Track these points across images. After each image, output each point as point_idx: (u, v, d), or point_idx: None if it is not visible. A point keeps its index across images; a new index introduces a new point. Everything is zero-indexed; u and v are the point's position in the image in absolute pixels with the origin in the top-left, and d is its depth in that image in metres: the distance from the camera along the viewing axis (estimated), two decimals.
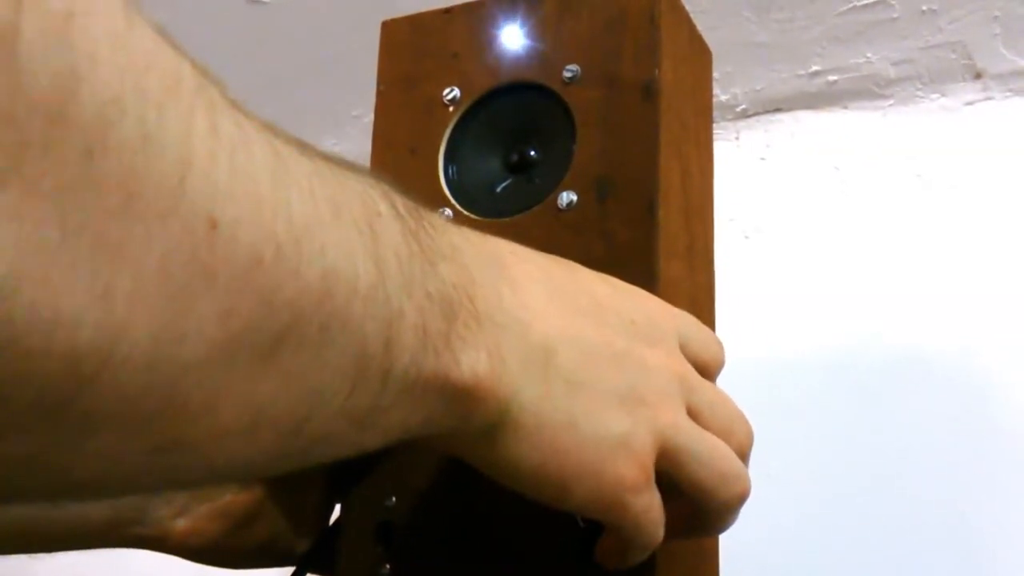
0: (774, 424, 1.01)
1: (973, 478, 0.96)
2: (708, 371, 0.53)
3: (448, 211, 0.61)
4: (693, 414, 0.49)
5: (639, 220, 0.57)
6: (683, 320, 0.52)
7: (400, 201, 0.40)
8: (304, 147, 0.37)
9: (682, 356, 0.50)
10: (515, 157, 0.62)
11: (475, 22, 0.63)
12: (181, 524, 0.64)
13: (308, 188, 0.35)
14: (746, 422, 0.52)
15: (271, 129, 0.35)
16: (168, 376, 0.30)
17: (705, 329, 0.54)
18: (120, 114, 0.28)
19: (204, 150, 0.30)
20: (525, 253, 0.48)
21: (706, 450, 0.48)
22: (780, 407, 1.02)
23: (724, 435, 0.50)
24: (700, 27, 0.65)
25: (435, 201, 0.62)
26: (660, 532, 0.49)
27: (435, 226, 0.42)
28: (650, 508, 0.47)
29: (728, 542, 0.60)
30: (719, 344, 0.54)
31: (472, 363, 0.41)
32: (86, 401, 0.28)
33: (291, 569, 0.62)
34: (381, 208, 0.38)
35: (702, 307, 0.62)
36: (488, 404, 0.42)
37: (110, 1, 0.29)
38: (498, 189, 0.62)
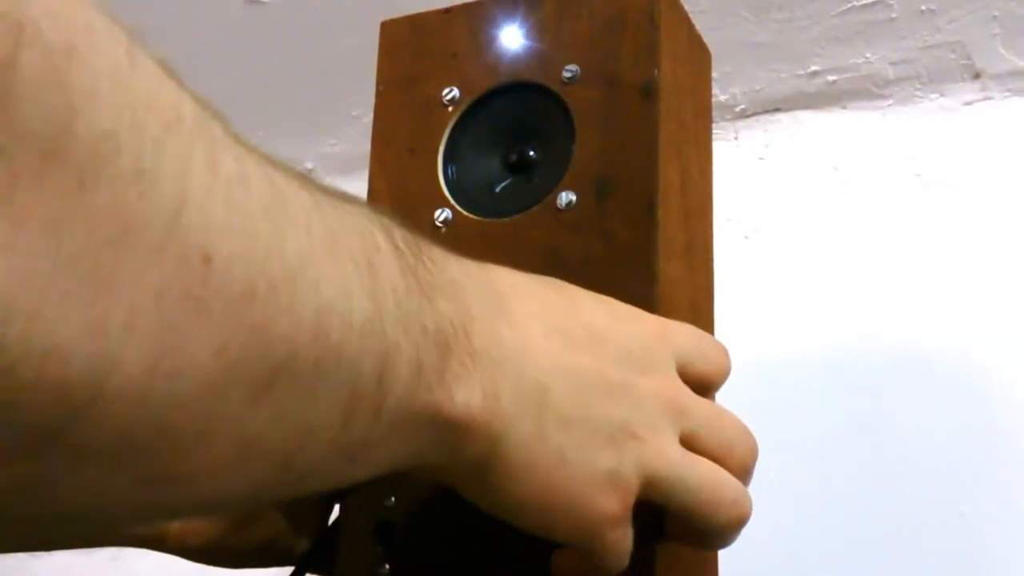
0: (774, 424, 1.01)
1: (973, 478, 0.96)
2: (712, 384, 0.53)
3: (447, 211, 0.61)
4: (689, 438, 0.49)
5: (638, 220, 0.57)
6: (683, 338, 0.52)
7: (399, 235, 0.40)
8: (304, 181, 0.37)
9: (677, 380, 0.50)
10: (514, 157, 0.62)
11: (474, 22, 0.63)
12: (180, 524, 0.64)
13: (305, 224, 0.35)
14: (748, 436, 0.52)
15: (271, 163, 0.35)
16: (160, 409, 0.30)
17: (708, 340, 0.54)
18: (115, 150, 0.28)
19: (201, 186, 0.30)
20: (524, 285, 0.48)
21: (695, 478, 0.49)
22: (780, 407, 1.02)
23: (723, 454, 0.50)
24: (699, 27, 0.65)
25: (434, 201, 0.62)
26: (625, 561, 0.49)
27: (435, 261, 0.42)
28: (622, 540, 0.48)
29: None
30: (723, 354, 0.54)
31: (466, 399, 0.41)
32: (76, 433, 0.28)
33: (291, 569, 0.62)
34: (380, 243, 0.39)
35: (701, 307, 0.62)
36: (480, 439, 0.43)
37: (113, 38, 0.29)
38: (497, 189, 0.62)
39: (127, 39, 0.30)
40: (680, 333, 0.52)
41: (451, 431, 0.41)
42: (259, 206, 0.33)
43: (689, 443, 0.49)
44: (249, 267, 0.32)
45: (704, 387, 0.52)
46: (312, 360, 0.34)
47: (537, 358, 0.45)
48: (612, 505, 0.46)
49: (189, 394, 0.30)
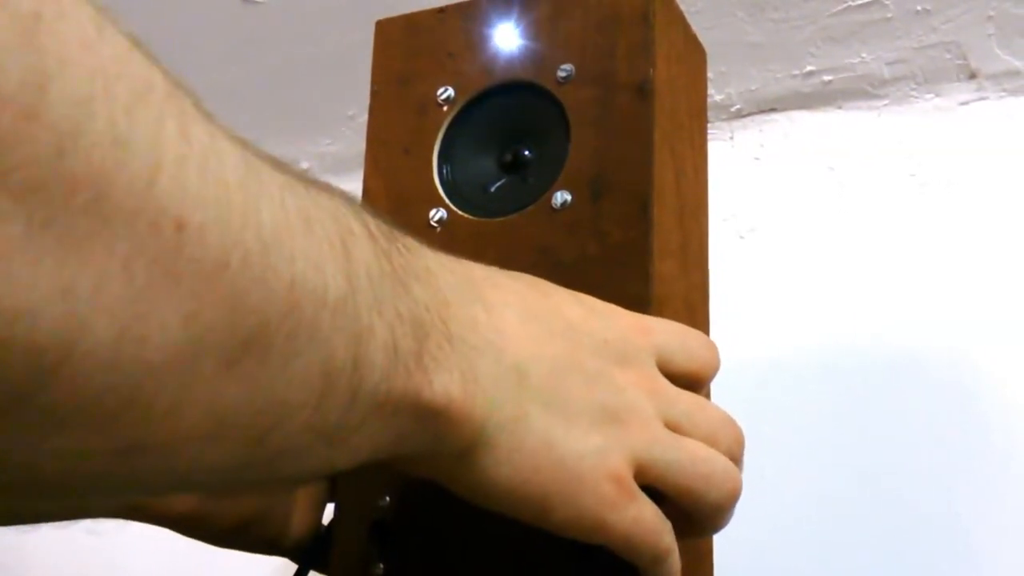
0: (768, 424, 1.01)
1: (968, 478, 0.96)
2: (698, 379, 0.53)
3: (442, 211, 0.61)
4: (672, 427, 0.49)
5: (633, 220, 0.57)
6: (664, 334, 0.52)
7: (373, 222, 0.41)
8: (277, 162, 0.37)
9: (656, 373, 0.50)
10: (509, 157, 0.62)
11: (469, 22, 0.63)
12: None
13: (280, 198, 0.35)
14: (733, 426, 0.53)
15: (244, 143, 0.35)
16: (130, 375, 0.30)
17: (693, 337, 0.54)
18: (90, 116, 0.28)
19: (174, 154, 0.30)
20: (499, 277, 0.48)
21: (685, 457, 0.49)
22: (775, 407, 1.02)
23: (708, 443, 0.50)
24: (694, 27, 0.65)
25: (429, 201, 0.62)
26: (663, 540, 0.49)
27: (409, 248, 0.42)
28: (638, 520, 0.47)
29: (722, 542, 0.60)
30: (710, 350, 0.54)
31: (445, 384, 0.41)
32: (48, 396, 0.28)
33: (292, 568, 0.62)
34: (354, 226, 0.39)
35: (696, 307, 0.62)
36: (462, 425, 0.42)
37: (79, 8, 0.29)
38: (492, 189, 0.62)
39: (92, 10, 0.30)
40: (661, 329, 0.52)
41: (432, 417, 0.41)
42: (233, 177, 0.33)
43: (673, 432, 0.50)
44: (223, 237, 0.32)
45: (690, 383, 0.52)
46: (285, 333, 0.34)
47: (514, 344, 0.45)
48: (606, 487, 0.46)
49: (159, 360, 0.30)
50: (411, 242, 0.43)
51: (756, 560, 0.95)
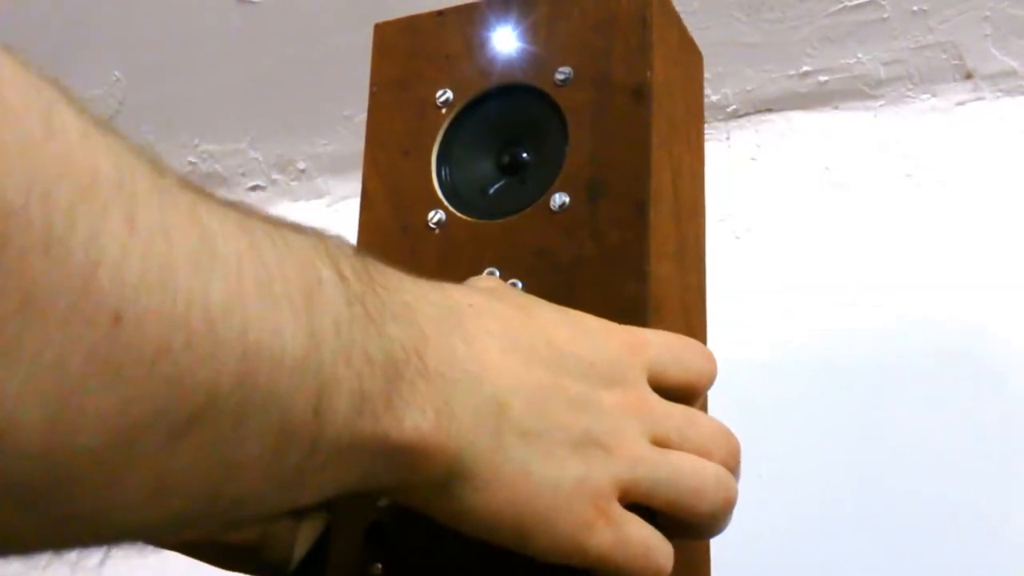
0: (765, 424, 1.01)
1: (964, 477, 0.96)
2: (694, 391, 0.53)
3: (441, 213, 0.61)
4: (662, 443, 0.50)
5: (630, 221, 0.57)
6: (657, 348, 0.52)
7: (348, 264, 0.40)
8: (245, 220, 0.37)
9: (646, 391, 0.50)
10: (507, 159, 0.62)
11: (467, 24, 0.63)
12: None
13: (236, 266, 0.35)
14: (727, 437, 0.53)
15: (208, 204, 0.35)
16: (64, 459, 0.30)
17: (688, 348, 0.54)
18: (23, 225, 0.28)
19: (115, 246, 0.31)
20: (483, 304, 0.48)
21: (672, 472, 0.49)
22: (772, 407, 1.02)
23: (701, 455, 0.51)
24: (691, 28, 0.65)
25: (428, 203, 0.62)
26: (652, 560, 0.49)
27: (387, 286, 0.42)
28: (621, 542, 0.48)
29: (720, 542, 0.60)
30: (706, 359, 0.54)
31: (417, 422, 0.41)
32: None
33: None
34: (323, 274, 0.39)
35: (693, 307, 0.62)
36: (435, 459, 0.43)
37: (28, 104, 0.29)
38: (491, 191, 0.62)
39: (47, 100, 0.30)
40: (655, 343, 0.52)
41: (403, 454, 0.42)
42: (182, 256, 0.33)
43: (662, 447, 0.50)
44: (164, 323, 0.32)
45: (686, 394, 0.53)
46: (236, 402, 0.34)
47: (494, 375, 0.45)
48: (586, 512, 0.46)
49: (96, 444, 0.31)
50: (390, 277, 0.43)
51: (752, 559, 0.95)
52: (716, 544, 0.60)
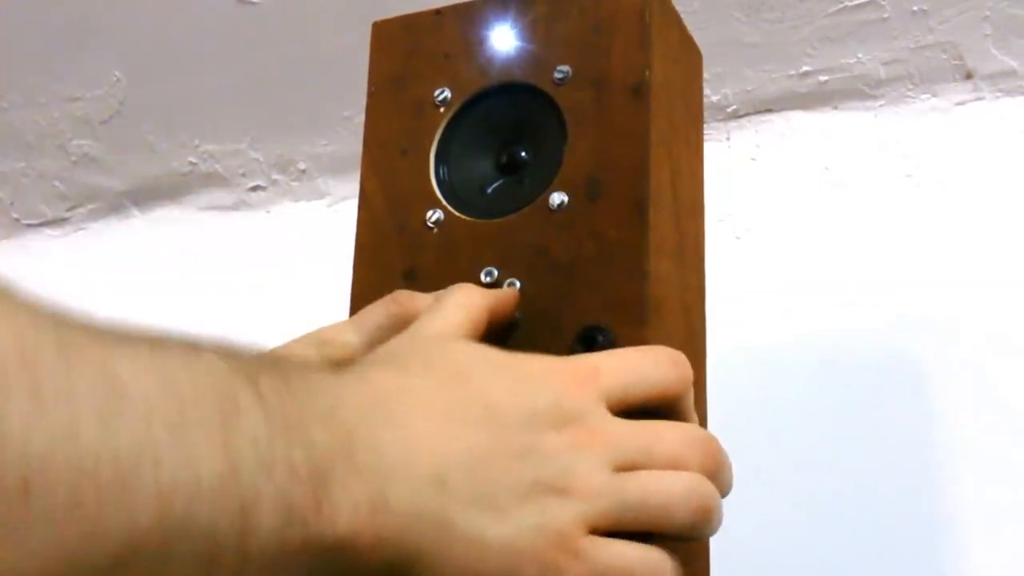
0: (764, 423, 1.01)
1: (961, 476, 0.96)
2: (667, 399, 0.53)
3: (439, 212, 0.61)
4: (627, 467, 0.50)
5: (629, 220, 0.57)
6: (614, 373, 0.52)
7: (267, 380, 0.42)
8: (162, 353, 0.39)
9: (601, 421, 0.50)
10: (506, 158, 0.62)
11: (466, 23, 0.63)
12: None
13: (145, 410, 0.36)
14: (703, 442, 0.52)
15: (121, 349, 0.37)
16: None
17: (650, 362, 0.53)
18: None
19: (20, 423, 0.32)
20: (414, 383, 0.49)
21: (635, 496, 0.49)
22: (771, 406, 1.02)
23: (674, 467, 0.51)
24: (690, 27, 0.65)
25: (426, 202, 0.62)
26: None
27: (310, 392, 0.43)
28: (596, 574, 0.48)
29: (719, 539, 0.60)
30: (672, 366, 0.54)
31: (350, 520, 0.42)
32: None
33: None
34: (240, 397, 0.40)
35: (693, 306, 0.62)
36: (377, 549, 0.44)
37: None
38: (489, 190, 0.62)
39: None
40: (606, 368, 0.52)
41: (340, 551, 0.43)
42: (88, 414, 0.34)
43: (631, 470, 0.50)
44: (72, 481, 0.33)
45: (663, 406, 0.53)
46: (157, 538, 0.36)
47: (427, 454, 0.46)
48: (549, 557, 0.47)
49: None
50: (313, 382, 0.44)
51: (751, 555, 0.95)
52: (715, 542, 0.60)
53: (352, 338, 0.57)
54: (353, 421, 0.44)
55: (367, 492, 0.43)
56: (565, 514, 0.48)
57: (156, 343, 0.39)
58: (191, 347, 0.40)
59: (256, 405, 0.40)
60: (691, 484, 0.51)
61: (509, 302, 0.57)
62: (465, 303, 0.55)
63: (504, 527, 0.47)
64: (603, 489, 0.49)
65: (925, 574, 0.95)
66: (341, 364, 0.50)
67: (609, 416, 0.51)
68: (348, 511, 0.42)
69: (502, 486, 0.47)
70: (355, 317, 0.59)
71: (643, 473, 0.50)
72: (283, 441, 0.41)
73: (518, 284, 0.58)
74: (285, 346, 0.58)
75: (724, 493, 0.53)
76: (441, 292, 0.57)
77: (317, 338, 0.58)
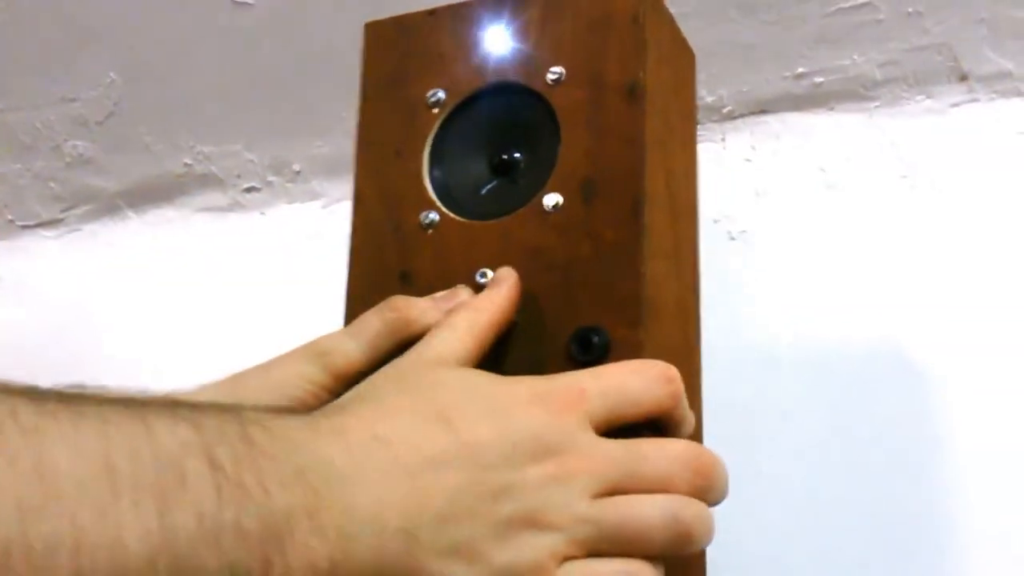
0: (761, 424, 1.01)
1: (961, 477, 0.96)
2: (656, 415, 0.53)
3: (434, 214, 0.61)
4: (612, 491, 0.50)
5: (624, 221, 0.57)
6: (601, 395, 0.52)
7: (228, 447, 0.42)
8: (104, 426, 0.39)
9: (586, 444, 0.51)
10: (500, 159, 0.62)
11: (460, 23, 0.63)
12: None
13: (72, 497, 0.37)
14: (692, 459, 0.52)
15: (61, 428, 0.38)
16: None
17: (637, 377, 0.53)
18: None
19: None
20: (392, 429, 0.49)
21: (615, 521, 0.50)
22: (767, 407, 1.02)
23: (660, 489, 0.51)
24: (686, 28, 0.65)
25: (420, 203, 0.62)
26: None
27: (276, 455, 0.44)
28: None
29: (717, 542, 0.60)
30: (660, 384, 0.53)
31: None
32: None
33: None
34: (188, 471, 0.40)
35: (687, 307, 0.62)
36: None
37: None
38: (483, 191, 0.62)
39: None
40: (596, 389, 0.52)
41: None
42: (7, 502, 0.35)
43: (615, 494, 0.50)
44: None
45: (652, 422, 0.53)
46: None
47: (399, 509, 0.47)
48: None
49: None
50: (281, 443, 0.45)
51: (747, 557, 0.95)
52: (712, 545, 0.60)
53: (351, 347, 0.57)
54: (322, 480, 0.45)
55: (328, 551, 0.44)
56: (540, 546, 0.49)
57: (104, 417, 0.39)
58: (140, 418, 0.41)
59: (206, 475, 0.41)
60: (671, 508, 0.51)
61: (512, 308, 0.57)
62: (473, 325, 0.56)
63: (476, 568, 0.48)
64: (581, 518, 0.49)
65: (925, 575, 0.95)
66: (328, 407, 0.50)
67: (594, 438, 0.51)
68: (304, 571, 0.43)
69: (477, 530, 0.48)
70: (352, 325, 0.59)
71: (622, 499, 0.50)
72: (234, 509, 0.41)
73: (490, 273, 0.58)
74: (281, 358, 0.58)
75: (717, 503, 0.53)
76: (447, 297, 0.58)
77: (316, 349, 0.58)
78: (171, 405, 0.43)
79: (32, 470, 0.36)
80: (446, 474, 0.48)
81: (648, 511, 0.50)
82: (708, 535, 0.52)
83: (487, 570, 0.48)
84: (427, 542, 0.47)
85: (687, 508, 0.51)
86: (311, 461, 0.45)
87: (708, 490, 0.52)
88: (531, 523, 0.49)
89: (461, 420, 0.50)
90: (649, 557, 0.51)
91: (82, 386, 0.61)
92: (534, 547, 0.48)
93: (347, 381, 0.57)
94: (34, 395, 0.39)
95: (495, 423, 0.50)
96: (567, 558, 0.49)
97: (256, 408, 0.47)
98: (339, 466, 0.46)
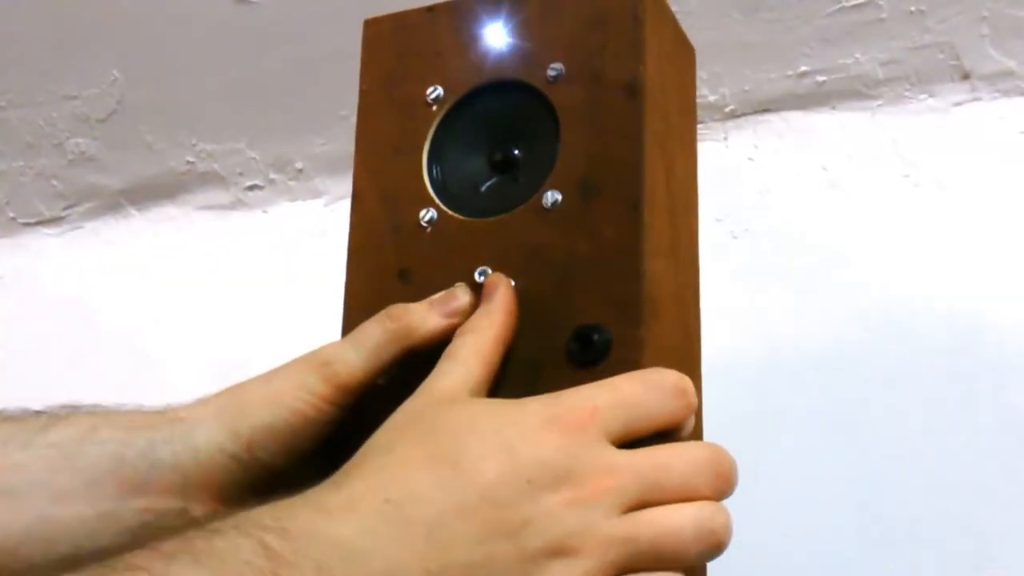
0: (762, 424, 1.01)
1: (961, 478, 0.96)
2: (671, 428, 0.53)
3: (433, 211, 0.61)
4: (638, 504, 0.50)
5: (624, 219, 0.57)
6: (614, 408, 0.52)
7: (267, 549, 0.43)
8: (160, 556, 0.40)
9: (605, 460, 0.50)
10: (499, 156, 0.62)
11: (458, 20, 0.63)
12: None
13: None
14: (713, 463, 0.52)
15: None
16: None
17: (651, 390, 0.53)
18: None
19: None
20: (402, 487, 0.49)
21: (649, 539, 0.49)
22: (768, 407, 1.02)
23: (683, 496, 0.51)
24: (688, 27, 0.65)
25: (419, 201, 0.61)
26: None
27: (296, 559, 0.44)
28: None
29: None
30: (675, 396, 0.53)
31: None
32: None
33: None
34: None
35: (688, 305, 0.62)
36: None
37: None
38: (483, 188, 0.62)
39: None
40: (606, 405, 0.52)
41: None
42: None
43: (642, 506, 0.50)
44: None
45: (666, 433, 0.53)
46: None
47: (420, 568, 0.46)
48: None
49: None
50: (300, 540, 0.45)
51: (752, 560, 0.95)
52: None
53: (353, 357, 0.57)
54: (343, 564, 0.45)
55: None
56: (576, 572, 0.48)
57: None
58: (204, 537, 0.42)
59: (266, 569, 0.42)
60: (703, 517, 0.50)
61: (512, 319, 0.57)
62: (478, 350, 0.55)
63: None
64: (612, 539, 0.49)
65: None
66: (338, 476, 0.50)
67: (614, 452, 0.51)
68: None
69: (504, 571, 0.48)
70: (353, 334, 0.59)
71: (652, 512, 0.50)
72: None
73: (513, 283, 0.58)
74: (282, 369, 0.58)
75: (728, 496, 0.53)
76: (446, 298, 0.58)
77: (317, 359, 0.58)
78: (192, 542, 0.43)
79: None
80: (463, 522, 0.48)
81: (682, 524, 0.50)
82: (731, 538, 0.52)
83: None
84: None
85: (716, 516, 0.51)
86: (327, 549, 0.45)
87: (728, 492, 0.52)
88: (559, 553, 0.48)
89: (471, 464, 0.49)
90: (681, 569, 0.50)
91: (75, 406, 0.60)
92: (566, 573, 0.48)
93: (348, 391, 0.57)
94: None
95: (506, 459, 0.49)
96: (611, 572, 0.49)
97: (273, 506, 0.47)
98: (354, 542, 0.46)
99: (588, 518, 0.49)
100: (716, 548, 0.51)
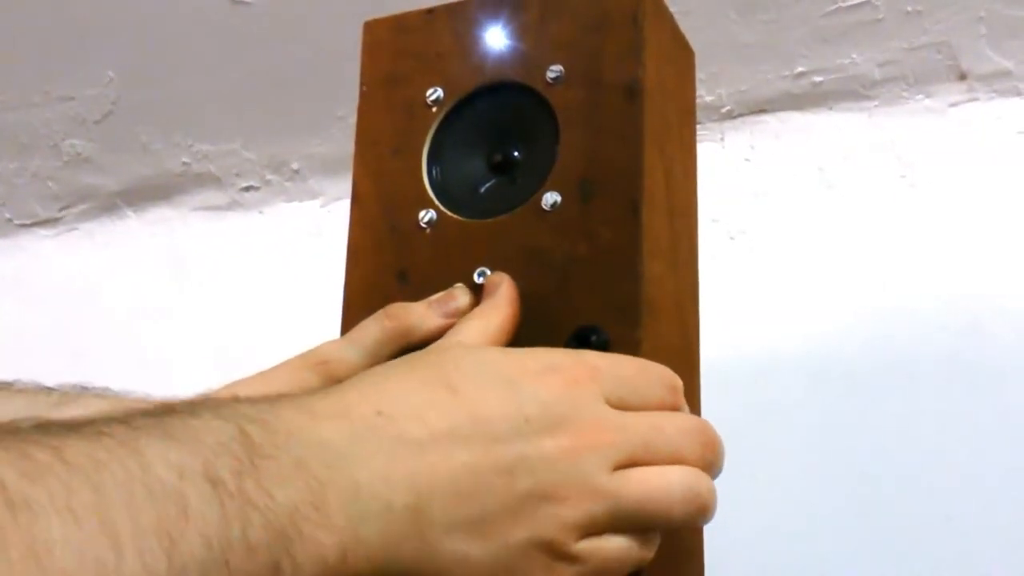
0: (759, 425, 1.01)
1: (958, 477, 0.96)
2: (663, 408, 0.53)
3: (432, 212, 0.61)
4: (628, 463, 0.50)
5: (623, 220, 0.57)
6: (612, 380, 0.52)
7: (227, 458, 0.41)
8: (102, 469, 0.38)
9: (601, 415, 0.50)
10: (499, 158, 0.62)
11: (458, 22, 0.63)
12: None
13: (76, 571, 0.36)
14: (702, 432, 0.52)
15: (57, 491, 0.37)
16: None
17: (646, 377, 0.53)
18: None
19: None
20: (397, 404, 0.48)
21: (636, 497, 0.49)
22: (765, 407, 1.02)
23: (674, 461, 0.51)
24: (685, 28, 0.65)
25: (419, 202, 0.62)
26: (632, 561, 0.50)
27: (274, 452, 0.43)
28: (592, 573, 0.49)
29: (713, 541, 0.60)
30: (665, 388, 0.53)
31: (317, 568, 0.42)
32: None
33: None
34: (190, 501, 0.39)
35: (686, 306, 0.62)
36: None
37: None
38: (482, 190, 0.62)
39: None
40: (606, 371, 0.52)
41: None
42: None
43: (632, 465, 0.50)
44: None
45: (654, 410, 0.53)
46: None
47: (406, 486, 0.46)
48: (541, 565, 0.48)
49: None
50: (279, 436, 0.44)
51: (745, 558, 0.95)
52: (711, 546, 0.60)
53: (350, 355, 0.57)
54: (323, 465, 0.44)
55: (337, 539, 0.43)
56: (556, 523, 0.48)
57: (95, 460, 0.38)
58: (133, 449, 0.40)
59: (208, 496, 0.40)
60: (690, 481, 0.51)
61: (516, 310, 0.57)
62: (485, 331, 0.55)
63: (490, 544, 0.47)
64: (600, 492, 0.49)
65: None
66: (330, 388, 0.49)
67: (609, 409, 0.51)
68: (314, 565, 0.42)
69: (490, 505, 0.47)
70: (351, 333, 0.59)
71: (641, 472, 0.50)
72: (239, 523, 0.40)
73: (488, 272, 0.58)
74: (280, 367, 0.58)
75: (715, 478, 0.53)
76: (444, 299, 0.58)
77: (315, 357, 0.58)
78: (165, 419, 0.42)
79: (27, 555, 0.35)
80: (456, 449, 0.47)
81: (668, 484, 0.50)
82: (715, 508, 0.52)
83: (503, 547, 0.47)
84: (438, 520, 0.46)
85: (702, 481, 0.51)
86: (310, 448, 0.44)
87: (714, 464, 0.52)
88: (548, 498, 0.48)
89: (471, 392, 0.49)
90: (666, 529, 0.51)
91: (85, 387, 0.60)
92: (552, 522, 0.48)
93: None
94: (21, 448, 0.37)
95: (506, 396, 0.49)
96: (586, 533, 0.49)
97: (254, 400, 0.46)
98: (339, 446, 0.45)
99: (581, 468, 0.49)
100: (701, 512, 0.51)
